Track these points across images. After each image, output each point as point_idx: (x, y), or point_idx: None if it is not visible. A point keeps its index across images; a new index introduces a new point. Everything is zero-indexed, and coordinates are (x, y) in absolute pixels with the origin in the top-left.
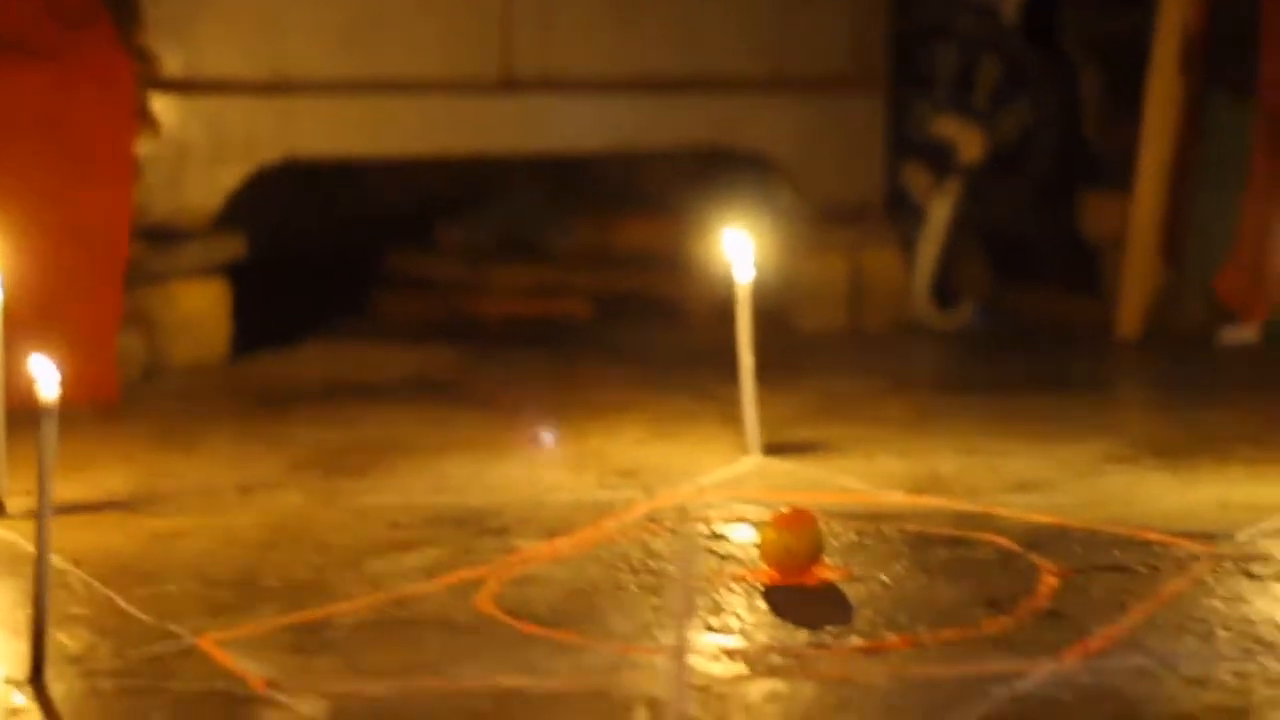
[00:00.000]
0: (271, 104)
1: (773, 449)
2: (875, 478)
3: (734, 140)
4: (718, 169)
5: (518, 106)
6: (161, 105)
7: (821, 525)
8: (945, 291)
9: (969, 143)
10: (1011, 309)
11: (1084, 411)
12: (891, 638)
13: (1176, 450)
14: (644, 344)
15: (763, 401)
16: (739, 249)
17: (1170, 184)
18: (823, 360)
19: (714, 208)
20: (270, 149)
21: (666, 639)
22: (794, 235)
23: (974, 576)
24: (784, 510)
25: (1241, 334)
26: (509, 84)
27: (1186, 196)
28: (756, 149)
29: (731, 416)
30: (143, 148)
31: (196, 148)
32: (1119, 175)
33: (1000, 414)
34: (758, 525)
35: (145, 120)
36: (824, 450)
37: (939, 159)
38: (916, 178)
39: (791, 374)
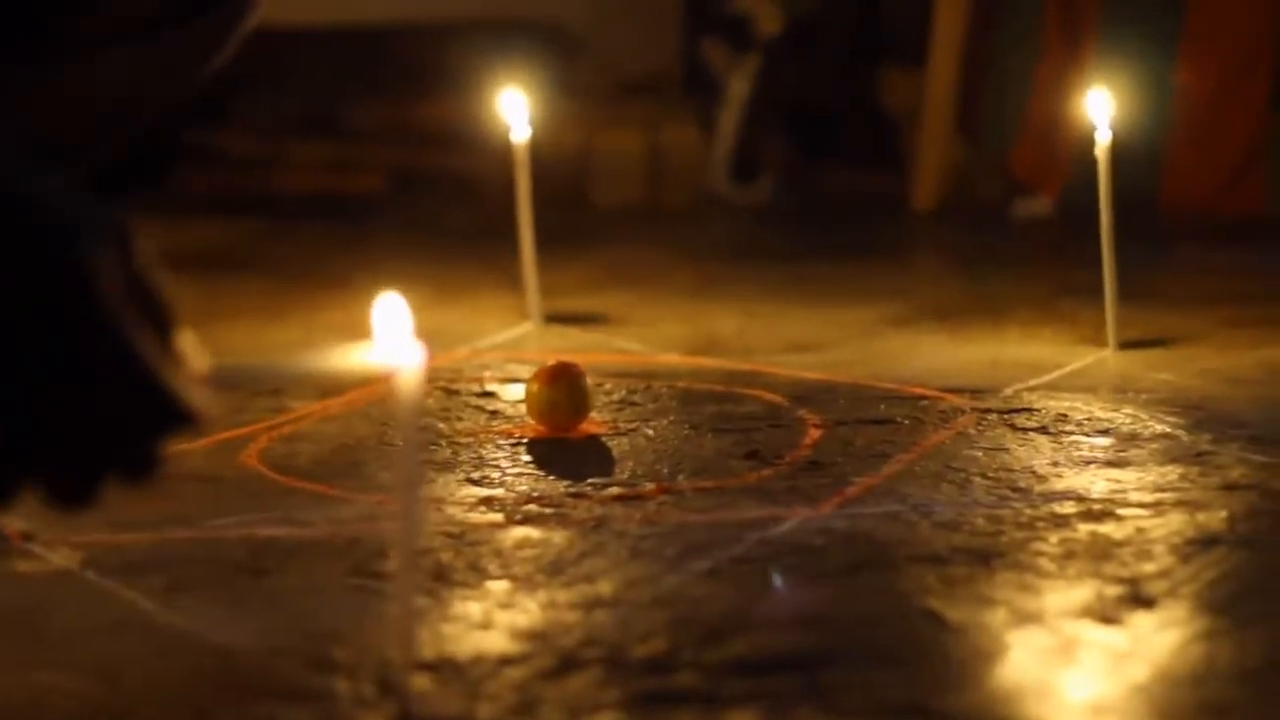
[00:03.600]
0: None
1: (555, 314)
2: (654, 341)
3: (529, 11)
4: (516, 44)
5: None
6: None
7: (591, 382)
8: (745, 166)
9: (767, 16)
10: (812, 183)
11: (869, 279)
12: (650, 487)
13: (955, 313)
14: (437, 218)
15: (551, 271)
16: (515, 110)
17: (966, 56)
18: (615, 233)
19: (510, 82)
20: None
21: (426, 491)
22: (591, 110)
23: (739, 430)
24: (548, 364)
25: (1035, 206)
26: None
27: (982, 68)
28: (551, 19)
29: (517, 285)
30: None
31: None
32: (918, 48)
33: (786, 281)
34: (525, 381)
35: None
36: (606, 316)
37: (738, 33)
38: (715, 52)
39: (582, 246)
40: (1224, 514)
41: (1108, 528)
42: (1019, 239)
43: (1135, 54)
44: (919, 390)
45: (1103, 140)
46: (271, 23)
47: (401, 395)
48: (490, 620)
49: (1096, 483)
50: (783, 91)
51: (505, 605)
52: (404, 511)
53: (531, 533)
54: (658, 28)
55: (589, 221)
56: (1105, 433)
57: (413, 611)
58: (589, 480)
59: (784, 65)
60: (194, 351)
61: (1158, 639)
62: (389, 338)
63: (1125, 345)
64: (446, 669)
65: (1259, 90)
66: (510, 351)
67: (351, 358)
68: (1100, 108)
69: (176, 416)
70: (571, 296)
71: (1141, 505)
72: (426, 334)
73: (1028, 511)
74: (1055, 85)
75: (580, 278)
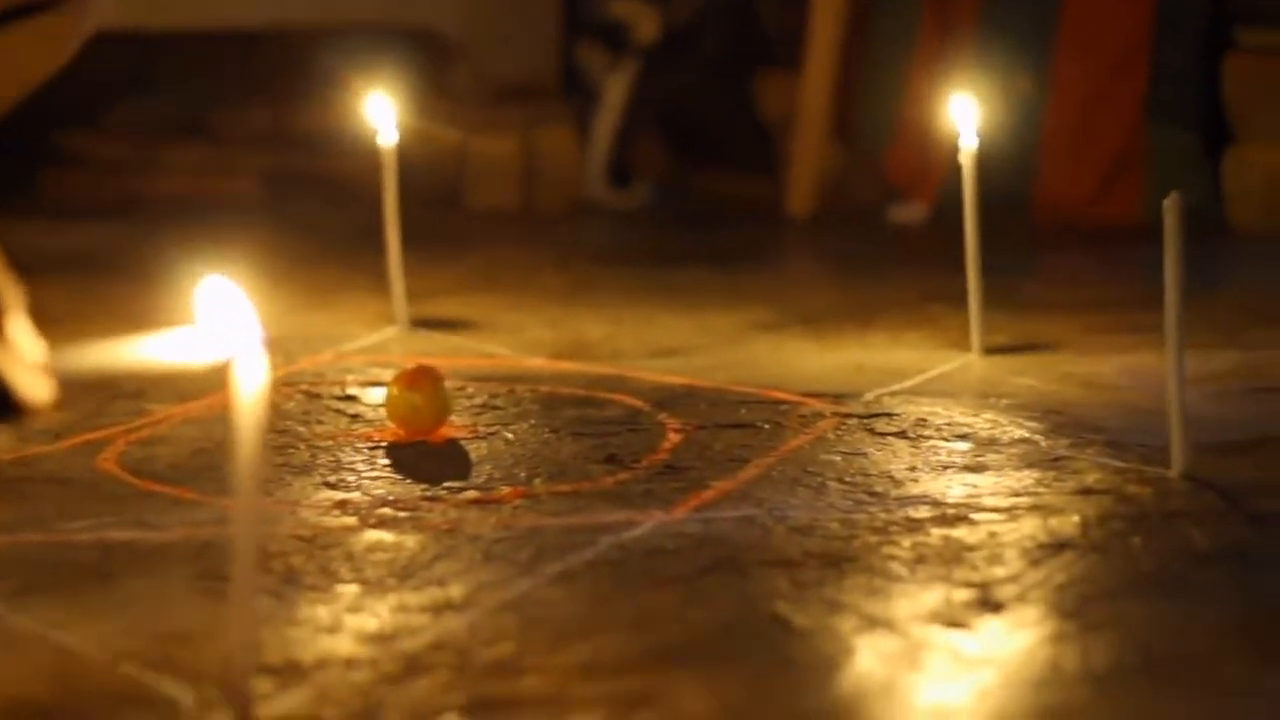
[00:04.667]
0: None
1: (423, 318)
2: (520, 345)
3: (403, 16)
4: (390, 49)
5: None
6: None
7: (453, 386)
8: (621, 172)
9: (644, 22)
10: (688, 189)
11: (740, 284)
12: (506, 491)
13: (823, 318)
14: (312, 221)
15: (422, 275)
16: (381, 113)
17: (841, 61)
18: (488, 237)
19: (378, 86)
20: None
21: (282, 494)
22: (467, 114)
23: (598, 434)
24: (409, 368)
25: (910, 212)
26: None
27: (857, 73)
28: (426, 25)
29: (386, 289)
30: None
31: None
32: (793, 54)
33: (657, 286)
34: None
35: None
36: (474, 319)
37: (614, 38)
38: (592, 57)
39: (454, 250)
40: (1076, 519)
41: (961, 532)
42: (892, 244)
43: (1010, 59)
44: (781, 395)
45: (968, 146)
46: (143, 27)
47: (237, 384)
48: (338, 624)
49: (952, 487)
50: (659, 96)
51: (354, 609)
52: (242, 507)
53: (385, 536)
54: (535, 32)
55: (462, 225)
56: (964, 438)
57: (252, 614)
58: (445, 484)
59: (661, 70)
60: (28, 339)
61: (1005, 643)
62: (216, 323)
63: (990, 350)
64: (290, 672)
65: (1132, 97)
66: (374, 355)
67: (183, 346)
68: (966, 113)
69: (6, 404)
70: (442, 300)
71: (996, 510)
72: (292, 338)
73: (882, 516)
74: (929, 91)
75: (451, 281)
